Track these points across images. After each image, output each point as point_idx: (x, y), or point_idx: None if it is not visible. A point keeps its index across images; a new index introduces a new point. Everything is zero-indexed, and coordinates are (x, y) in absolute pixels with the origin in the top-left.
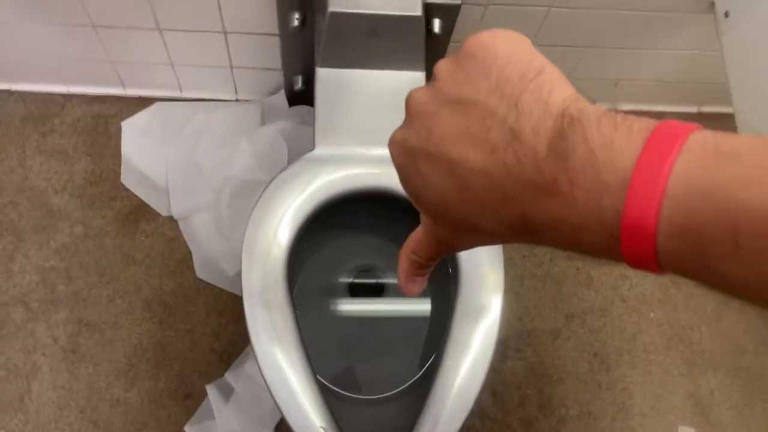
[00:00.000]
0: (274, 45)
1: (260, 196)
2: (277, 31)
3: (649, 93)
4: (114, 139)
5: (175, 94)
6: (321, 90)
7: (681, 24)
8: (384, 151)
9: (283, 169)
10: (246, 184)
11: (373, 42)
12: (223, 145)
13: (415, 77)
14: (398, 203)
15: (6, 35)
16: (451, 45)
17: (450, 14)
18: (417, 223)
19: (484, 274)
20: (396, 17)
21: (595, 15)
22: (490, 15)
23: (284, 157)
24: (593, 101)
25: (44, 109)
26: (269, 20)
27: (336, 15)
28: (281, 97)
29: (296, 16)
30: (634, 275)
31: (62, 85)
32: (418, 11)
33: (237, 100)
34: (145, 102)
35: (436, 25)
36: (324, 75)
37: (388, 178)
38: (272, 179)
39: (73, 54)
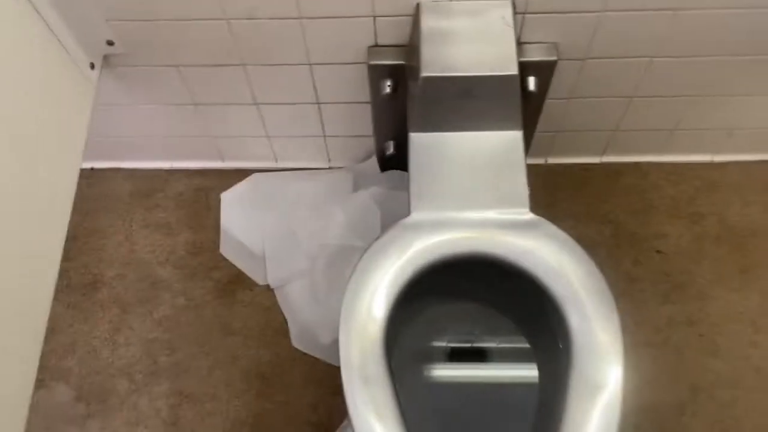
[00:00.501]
0: (366, 112)
1: (356, 267)
2: (368, 99)
3: None
4: (213, 210)
5: (271, 164)
6: (415, 155)
7: None
8: (481, 215)
9: (379, 237)
10: (341, 251)
11: (467, 104)
12: (317, 212)
13: (512, 137)
14: (498, 268)
15: (118, 117)
16: (547, 101)
17: (545, 71)
18: (519, 289)
19: (599, 344)
20: (491, 78)
21: (703, 62)
22: (587, 69)
23: (377, 222)
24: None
25: (149, 184)
26: (361, 89)
27: (429, 79)
28: (373, 163)
29: (388, 83)
30: (767, 342)
31: (166, 161)
32: (513, 70)
33: (330, 168)
34: (242, 173)
35: (531, 83)
36: (417, 140)
37: (487, 243)
38: (367, 248)
39: (176, 131)
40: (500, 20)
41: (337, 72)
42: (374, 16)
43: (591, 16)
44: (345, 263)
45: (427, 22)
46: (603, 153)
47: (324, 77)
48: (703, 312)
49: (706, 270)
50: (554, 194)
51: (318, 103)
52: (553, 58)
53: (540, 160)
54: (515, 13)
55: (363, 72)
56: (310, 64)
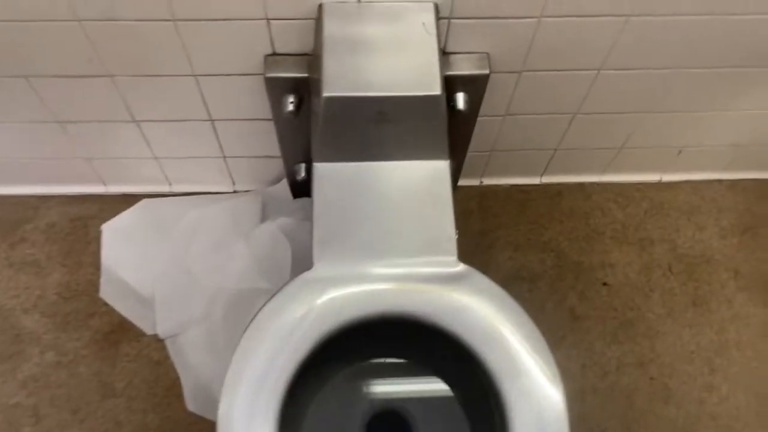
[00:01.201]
0: (271, 130)
1: (245, 332)
2: (271, 116)
3: (720, 160)
4: (93, 244)
5: (164, 188)
6: (320, 190)
7: (758, 80)
8: (400, 267)
9: (274, 296)
10: (244, 294)
11: (381, 129)
12: (218, 246)
13: (437, 168)
14: (421, 329)
15: None
16: (480, 119)
17: (476, 86)
18: (448, 352)
19: (542, 420)
20: (409, 98)
21: (654, 75)
22: (524, 84)
23: (287, 260)
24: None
25: (15, 214)
26: (261, 104)
27: (333, 100)
28: (284, 188)
29: (290, 99)
30: (723, 384)
31: (35, 186)
32: (436, 90)
33: (234, 192)
34: (129, 200)
35: (460, 100)
36: (323, 171)
37: (407, 300)
38: (260, 309)
39: (42, 152)
40: (420, 27)
41: (229, 85)
42: (267, 19)
43: (527, 22)
44: (249, 309)
45: (331, 29)
46: (543, 173)
47: (215, 91)
48: (654, 352)
49: (656, 303)
50: (490, 220)
51: (211, 120)
52: (485, 71)
53: (474, 181)
54: (438, 18)
55: (260, 85)
56: (195, 76)
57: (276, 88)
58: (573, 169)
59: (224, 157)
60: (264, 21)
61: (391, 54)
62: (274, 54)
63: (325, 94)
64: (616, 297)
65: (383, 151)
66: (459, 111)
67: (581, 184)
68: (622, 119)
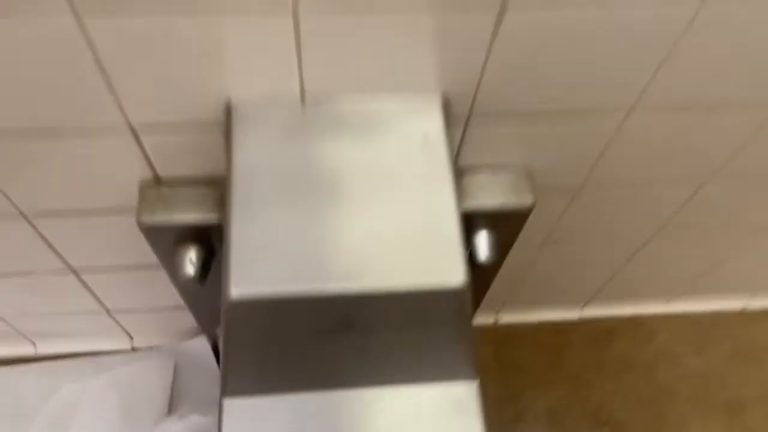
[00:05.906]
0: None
1: None
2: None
3: None
4: None
5: (26, 350)
6: None
7: None
8: None
9: None
10: None
11: (338, 342)
12: None
13: (457, 394)
14: None
15: None
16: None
17: (511, 222)
18: None
19: None
20: (402, 296)
21: None
22: (583, 203)
23: None
24: None
25: None
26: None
27: (246, 305)
28: (203, 344)
29: (190, 257)
30: None
31: None
32: (457, 277)
33: (133, 349)
34: None
35: (483, 245)
36: (233, 408)
37: None
38: None
39: None
40: (419, 143)
41: (86, 226)
42: (129, 123)
43: (611, 115)
44: None
45: (246, 158)
46: (585, 304)
47: (67, 232)
48: None
49: None
50: (514, 378)
51: (73, 272)
52: (527, 202)
53: (487, 319)
54: (449, 120)
55: (136, 232)
56: (23, 215)
57: (162, 241)
58: (629, 297)
59: (108, 311)
60: (126, 126)
61: (366, 204)
62: (156, 180)
63: (234, 294)
64: None
65: (334, 377)
66: (479, 264)
67: (637, 319)
68: (721, 237)
